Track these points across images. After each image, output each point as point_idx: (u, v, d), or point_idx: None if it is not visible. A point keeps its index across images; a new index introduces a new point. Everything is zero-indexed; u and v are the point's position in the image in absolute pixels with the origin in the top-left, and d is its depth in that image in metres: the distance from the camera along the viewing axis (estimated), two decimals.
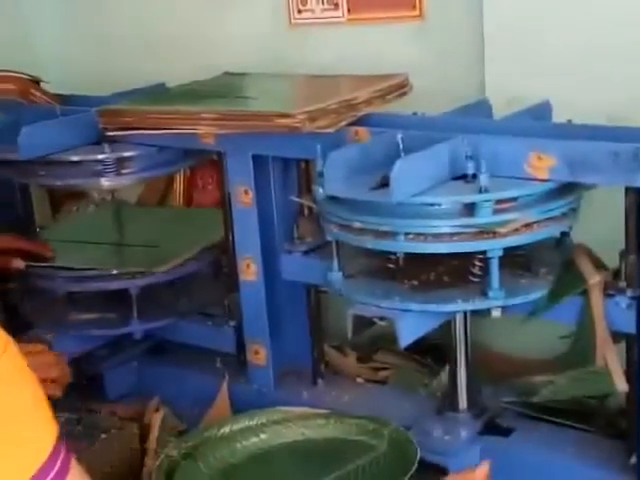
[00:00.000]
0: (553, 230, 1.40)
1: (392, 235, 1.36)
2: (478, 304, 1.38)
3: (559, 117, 1.56)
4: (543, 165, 1.35)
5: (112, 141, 1.73)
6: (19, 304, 1.89)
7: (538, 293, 1.40)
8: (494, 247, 1.34)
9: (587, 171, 1.32)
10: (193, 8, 2.26)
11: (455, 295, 1.39)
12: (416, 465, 1.35)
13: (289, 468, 1.46)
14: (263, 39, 2.12)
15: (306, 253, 1.66)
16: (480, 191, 1.32)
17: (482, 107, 1.63)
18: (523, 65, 1.73)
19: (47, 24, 2.50)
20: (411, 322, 1.37)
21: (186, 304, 1.87)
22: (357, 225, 1.39)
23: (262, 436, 1.51)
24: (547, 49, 1.71)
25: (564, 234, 1.48)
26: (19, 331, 1.78)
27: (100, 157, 1.73)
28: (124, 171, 1.74)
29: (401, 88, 1.70)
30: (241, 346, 1.78)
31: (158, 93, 1.91)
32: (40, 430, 0.96)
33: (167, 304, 1.86)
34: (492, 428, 1.53)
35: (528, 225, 1.35)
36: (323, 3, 2.07)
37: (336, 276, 1.48)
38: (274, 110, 1.55)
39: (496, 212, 1.32)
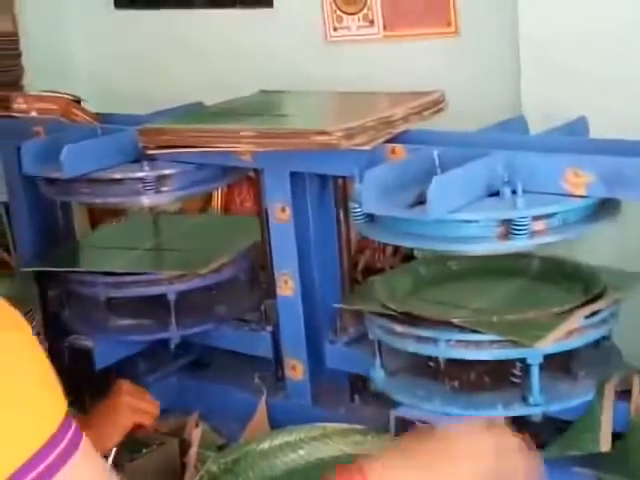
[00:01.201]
0: (592, 337, 1.44)
1: (433, 341, 1.41)
2: (518, 410, 1.42)
3: (596, 133, 1.56)
4: (580, 181, 1.35)
5: (152, 159, 1.76)
6: (60, 310, 1.91)
7: (578, 399, 1.43)
8: (534, 355, 1.38)
9: (624, 187, 1.32)
10: (230, 26, 2.29)
11: (495, 400, 1.43)
12: None
13: None
14: (299, 56, 2.14)
15: (348, 344, 1.69)
16: (516, 208, 1.32)
17: (518, 123, 1.63)
18: (559, 81, 1.73)
19: (85, 43, 2.54)
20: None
21: (223, 310, 1.88)
22: (399, 329, 1.44)
23: (300, 452, 1.52)
24: (583, 64, 1.71)
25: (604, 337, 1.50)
26: (59, 337, 1.83)
27: (140, 175, 1.75)
28: (163, 189, 1.76)
29: (437, 105, 1.70)
30: (278, 351, 1.79)
31: (196, 111, 1.93)
32: (49, 403, 0.97)
33: (204, 310, 1.87)
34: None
35: (569, 332, 1.39)
36: (359, 20, 2.09)
37: (378, 374, 1.53)
38: (311, 127, 1.57)
39: (534, 235, 1.33)
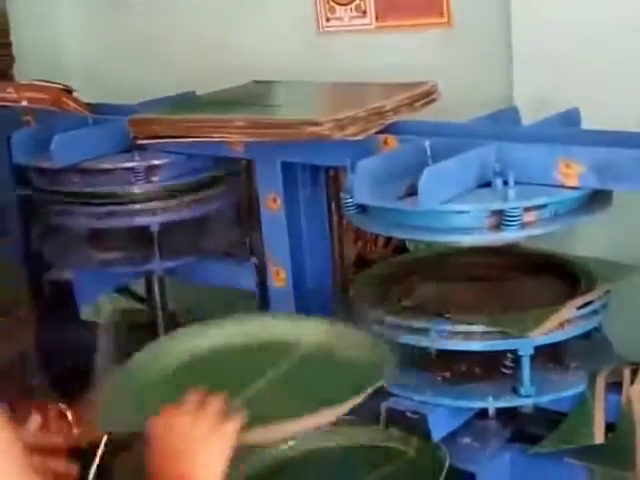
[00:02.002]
0: (583, 328, 1.44)
1: (425, 332, 1.41)
2: (509, 401, 1.42)
3: (588, 124, 1.55)
4: (572, 172, 1.35)
5: (142, 149, 1.75)
6: (41, 245, 1.89)
7: (569, 391, 1.43)
8: (525, 346, 1.38)
9: (616, 178, 1.31)
10: (222, 16, 2.28)
11: (486, 391, 1.43)
12: (445, 472, 1.36)
13: (318, 476, 1.47)
14: (292, 47, 2.13)
15: None
16: (508, 199, 1.32)
17: (510, 114, 1.63)
18: (552, 71, 1.73)
19: (76, 32, 2.53)
20: (443, 416, 1.42)
21: (207, 243, 1.86)
22: (390, 320, 1.44)
23: (291, 443, 1.51)
24: (576, 55, 1.70)
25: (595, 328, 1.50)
26: (42, 271, 1.81)
27: (130, 165, 1.74)
28: (153, 178, 1.76)
29: (429, 95, 1.70)
30: (263, 284, 1.76)
31: (187, 101, 1.93)
32: None
33: (188, 243, 1.85)
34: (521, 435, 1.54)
35: (560, 324, 1.39)
36: (351, 11, 2.08)
37: None
38: (303, 118, 1.56)
39: (525, 226, 1.33)
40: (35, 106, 1.96)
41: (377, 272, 1.67)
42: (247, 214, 1.86)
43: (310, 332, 1.41)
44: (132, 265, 1.83)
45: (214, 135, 1.65)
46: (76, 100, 2.00)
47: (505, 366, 1.44)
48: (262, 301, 1.78)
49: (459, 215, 1.35)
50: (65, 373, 1.93)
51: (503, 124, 1.57)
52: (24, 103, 1.96)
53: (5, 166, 1.94)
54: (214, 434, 1.14)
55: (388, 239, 2.03)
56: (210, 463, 1.13)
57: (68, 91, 2.02)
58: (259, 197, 1.70)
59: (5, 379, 1.77)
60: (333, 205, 1.74)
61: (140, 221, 1.77)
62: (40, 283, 1.83)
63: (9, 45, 2.41)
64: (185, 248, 1.83)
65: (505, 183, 1.36)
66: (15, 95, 1.96)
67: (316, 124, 1.53)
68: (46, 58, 2.42)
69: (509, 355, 1.44)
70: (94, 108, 1.98)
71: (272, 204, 1.67)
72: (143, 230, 1.78)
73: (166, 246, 1.79)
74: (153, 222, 1.77)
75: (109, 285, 1.88)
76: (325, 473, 1.47)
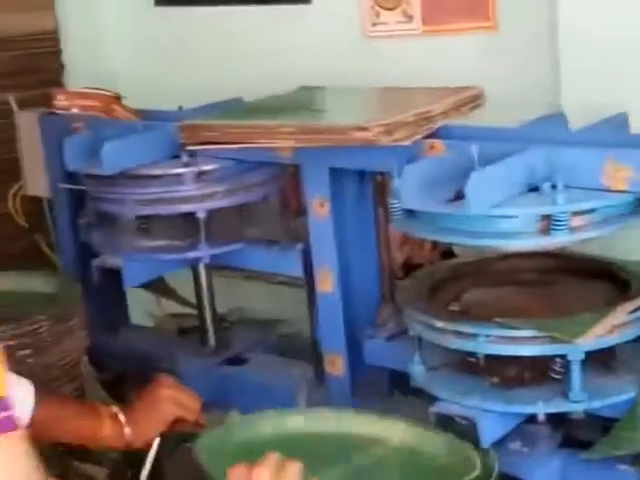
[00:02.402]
0: (634, 333, 1.42)
1: (474, 337, 1.40)
2: (559, 406, 1.41)
3: (636, 128, 1.54)
4: (620, 176, 1.34)
5: (191, 155, 1.77)
6: (91, 234, 1.91)
7: (620, 396, 1.41)
8: (575, 352, 1.37)
9: None
10: (268, 22, 2.29)
11: (536, 396, 1.42)
12: (494, 477, 1.35)
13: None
14: (338, 52, 2.14)
15: (388, 339, 1.69)
16: (557, 203, 1.32)
17: (558, 118, 1.63)
18: (599, 75, 1.71)
19: (124, 40, 2.56)
20: (492, 421, 1.41)
21: (253, 230, 1.86)
22: (439, 325, 1.44)
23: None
24: (624, 58, 1.69)
25: None
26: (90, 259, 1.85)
27: (179, 171, 1.76)
28: (203, 184, 1.78)
29: (476, 100, 1.70)
30: (308, 270, 1.76)
31: (235, 107, 1.94)
32: None
33: (235, 230, 1.86)
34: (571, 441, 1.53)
35: (610, 329, 1.38)
36: (397, 15, 2.08)
37: (418, 369, 1.52)
38: (350, 123, 1.57)
39: (574, 230, 1.32)
40: (85, 113, 1.99)
41: (424, 277, 1.67)
42: (293, 201, 1.86)
43: (390, 430, 1.46)
44: (179, 252, 1.84)
45: (263, 141, 1.66)
46: (125, 107, 2.03)
47: (555, 371, 1.44)
48: (309, 287, 1.78)
49: (507, 219, 1.35)
50: (116, 375, 1.96)
51: (550, 128, 1.56)
52: (75, 110, 1.99)
53: (58, 172, 1.98)
54: None
55: (435, 244, 2.03)
56: None
57: (117, 98, 2.05)
58: (306, 202, 1.71)
59: (56, 381, 1.81)
60: (380, 210, 1.74)
61: (187, 208, 1.79)
62: (89, 269, 1.86)
63: (59, 53, 2.46)
64: (231, 235, 1.85)
65: (553, 187, 1.36)
66: (66, 102, 1.99)
67: (364, 129, 1.53)
68: (95, 66, 2.46)
69: (558, 360, 1.43)
70: (143, 114, 2.01)
71: (320, 209, 1.68)
72: (190, 217, 1.80)
73: (212, 233, 1.81)
74: (200, 209, 1.78)
75: (156, 272, 1.89)
76: (372, 470, 1.46)
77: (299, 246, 1.78)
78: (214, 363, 1.96)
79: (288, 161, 1.72)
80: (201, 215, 1.78)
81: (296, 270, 1.80)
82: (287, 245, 1.82)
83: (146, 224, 1.85)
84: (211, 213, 1.80)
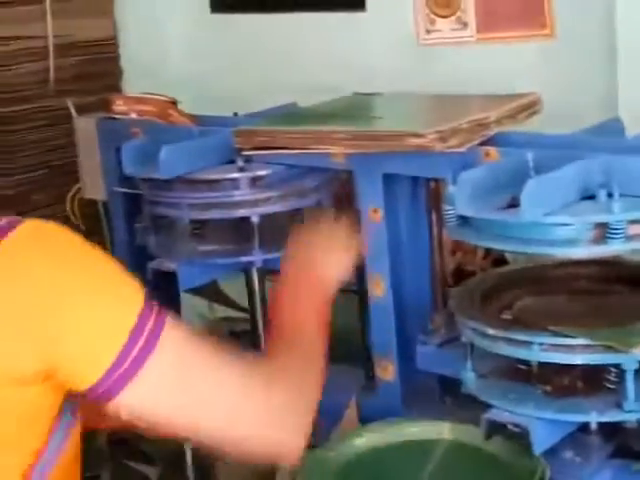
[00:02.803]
0: None
1: (527, 344, 1.40)
2: (613, 416, 1.40)
3: None
4: None
5: (246, 160, 1.79)
6: (146, 238, 1.94)
7: None
8: (630, 361, 1.36)
9: None
10: (323, 29, 2.31)
11: (589, 405, 1.41)
12: None
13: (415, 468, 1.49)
14: (392, 59, 2.15)
15: (440, 346, 1.69)
16: (613, 211, 1.31)
17: (614, 126, 1.61)
18: None
19: (180, 47, 2.59)
20: (545, 430, 1.40)
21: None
22: (492, 332, 1.44)
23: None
24: None
25: None
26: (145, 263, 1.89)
27: (234, 176, 1.78)
28: (258, 189, 1.79)
29: (532, 107, 1.70)
30: (361, 275, 1.76)
31: (290, 113, 1.96)
32: (132, 285, 1.08)
33: (287, 235, 1.87)
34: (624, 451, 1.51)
35: None
36: (452, 23, 2.09)
37: (470, 376, 1.52)
38: (405, 130, 1.58)
39: (630, 239, 1.32)
40: (143, 118, 2.02)
41: (477, 284, 1.67)
42: (345, 206, 1.87)
43: (445, 432, 1.52)
44: (232, 256, 1.86)
45: (316, 147, 1.67)
46: (181, 112, 2.06)
47: (609, 380, 1.43)
48: (361, 292, 1.79)
49: (562, 227, 1.34)
50: None
51: (607, 136, 1.56)
52: (132, 115, 2.02)
53: (114, 176, 2.01)
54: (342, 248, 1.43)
55: (487, 251, 2.02)
56: (336, 268, 1.42)
57: (174, 103, 2.07)
58: (360, 208, 1.72)
59: None
60: (433, 216, 1.75)
61: (242, 212, 1.81)
62: (144, 272, 1.89)
63: (118, 59, 2.50)
64: (284, 240, 1.86)
65: (609, 195, 1.35)
66: (124, 108, 2.02)
67: (418, 136, 1.54)
68: (153, 71, 2.50)
69: (613, 369, 1.42)
70: (199, 120, 2.03)
71: (373, 215, 1.68)
72: (243, 222, 1.82)
73: (265, 238, 1.82)
74: (254, 213, 1.80)
75: (210, 276, 1.92)
76: (421, 467, 1.47)
77: None
78: None
79: (342, 167, 1.73)
80: (255, 220, 1.80)
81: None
82: None
83: (200, 229, 1.87)
84: (264, 218, 1.81)
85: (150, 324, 1.05)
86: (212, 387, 1.10)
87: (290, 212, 1.86)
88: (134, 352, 1.02)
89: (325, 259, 1.42)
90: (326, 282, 1.41)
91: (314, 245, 1.45)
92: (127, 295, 1.06)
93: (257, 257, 1.84)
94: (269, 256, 1.84)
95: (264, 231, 1.82)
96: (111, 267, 1.08)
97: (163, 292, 1.98)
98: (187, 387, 1.08)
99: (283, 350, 1.26)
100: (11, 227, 1.04)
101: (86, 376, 1.02)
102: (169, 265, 1.84)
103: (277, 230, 1.84)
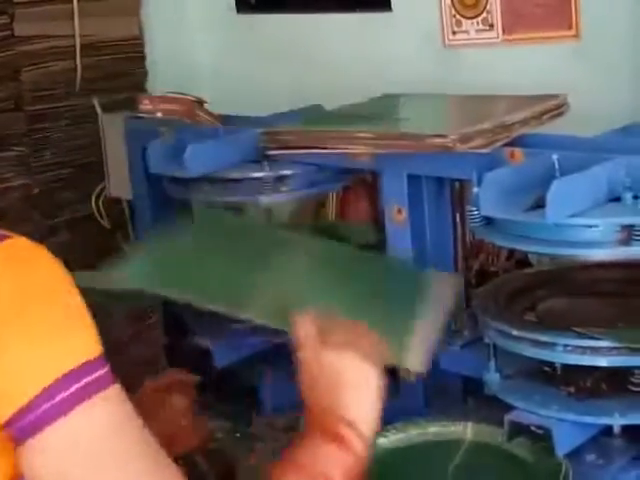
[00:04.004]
0: None
1: (551, 346, 1.40)
2: (636, 419, 1.40)
3: None
4: None
5: (271, 160, 1.79)
6: (180, 310, 1.92)
7: None
8: None
9: None
10: (349, 30, 2.31)
11: (613, 407, 1.41)
12: None
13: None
14: (418, 60, 2.15)
15: (463, 347, 1.69)
16: (638, 213, 1.31)
17: None
18: None
19: (206, 46, 2.61)
20: (568, 431, 1.40)
21: None
22: (515, 333, 1.44)
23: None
24: None
25: None
26: (179, 336, 1.88)
27: (259, 175, 1.79)
28: (282, 189, 1.80)
29: (558, 109, 1.69)
30: None
31: (315, 115, 1.96)
32: (89, 336, 0.97)
33: None
34: None
35: None
36: (478, 24, 2.08)
37: (493, 377, 1.52)
38: (429, 131, 1.58)
39: None
40: (168, 117, 2.03)
41: (500, 285, 1.67)
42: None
43: (467, 433, 1.51)
44: (265, 335, 1.84)
45: (341, 147, 1.68)
46: (207, 111, 2.07)
47: (632, 383, 1.42)
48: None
49: (587, 229, 1.34)
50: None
51: (633, 138, 1.55)
52: (158, 115, 2.03)
53: (141, 174, 2.03)
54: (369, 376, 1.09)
55: (511, 252, 2.02)
56: (366, 408, 1.09)
57: (199, 103, 2.08)
58: (384, 209, 1.72)
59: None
60: (458, 217, 1.75)
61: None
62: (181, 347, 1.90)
63: (144, 59, 2.51)
64: None
65: (635, 198, 1.35)
66: (150, 107, 2.03)
67: (440, 136, 1.54)
68: (179, 71, 2.51)
69: (637, 372, 1.41)
70: (224, 119, 2.04)
71: (397, 216, 1.68)
72: None
73: None
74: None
75: (244, 352, 1.91)
76: (444, 467, 1.47)
77: None
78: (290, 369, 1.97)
79: (367, 167, 1.73)
80: None
81: None
82: None
83: None
84: None
85: (88, 379, 0.94)
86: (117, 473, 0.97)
87: None
88: (58, 397, 0.93)
89: (353, 397, 1.09)
90: (360, 436, 1.08)
91: (334, 373, 1.10)
92: (75, 342, 0.96)
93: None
94: None
95: None
96: (74, 311, 0.97)
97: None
98: (94, 464, 0.96)
99: None
100: None
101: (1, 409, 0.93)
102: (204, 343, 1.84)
103: None
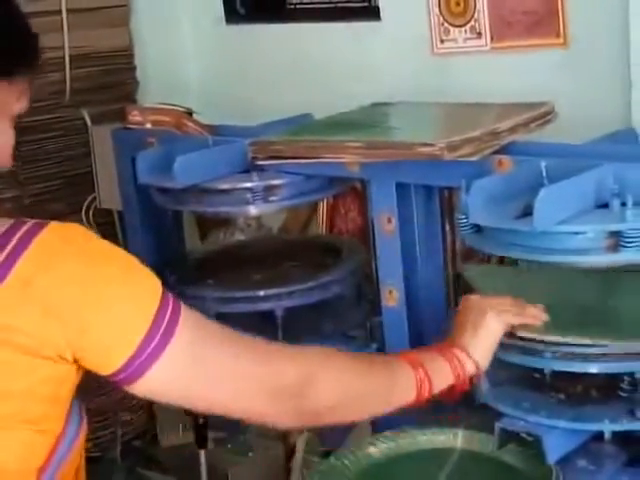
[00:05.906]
0: None
1: (539, 353, 1.40)
2: (626, 425, 1.40)
3: None
4: None
5: (261, 170, 1.79)
6: None
7: None
8: None
9: None
10: (338, 39, 2.31)
11: (602, 413, 1.41)
12: None
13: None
14: (406, 69, 2.16)
15: None
16: (626, 220, 1.31)
17: (628, 135, 1.62)
18: None
19: (196, 57, 2.61)
20: (559, 438, 1.40)
21: (329, 326, 1.91)
22: (504, 341, 1.44)
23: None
24: None
25: None
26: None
27: (249, 185, 1.79)
28: (271, 199, 1.80)
29: (545, 116, 1.70)
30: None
31: (305, 124, 1.96)
32: (150, 276, 1.13)
33: (310, 326, 1.90)
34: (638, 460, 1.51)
35: None
36: (466, 32, 2.09)
37: (483, 384, 1.52)
38: (418, 139, 1.58)
39: None
40: (158, 128, 2.03)
41: (489, 292, 1.66)
42: (369, 293, 1.91)
43: (458, 441, 1.52)
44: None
45: (330, 156, 1.68)
46: (196, 122, 2.07)
47: (622, 389, 1.43)
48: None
49: (575, 236, 1.34)
50: None
51: (620, 145, 1.56)
52: (148, 125, 2.04)
53: (130, 185, 2.03)
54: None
55: (501, 259, 2.02)
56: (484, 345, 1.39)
57: (189, 113, 2.09)
58: (374, 217, 1.72)
59: None
60: (447, 225, 1.75)
61: (265, 306, 1.84)
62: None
63: (133, 70, 2.51)
64: (307, 331, 1.89)
65: (623, 204, 1.35)
66: (140, 118, 2.04)
67: (428, 145, 1.54)
68: (168, 82, 2.51)
69: (627, 378, 1.42)
70: (214, 130, 2.04)
71: (387, 224, 1.69)
72: (265, 315, 1.85)
73: (288, 330, 1.85)
74: (278, 307, 1.84)
75: None
76: (435, 475, 1.47)
77: (374, 345, 1.84)
78: None
79: (356, 176, 1.74)
80: (279, 313, 1.83)
81: None
82: (362, 343, 1.86)
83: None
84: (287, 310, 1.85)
85: (169, 311, 1.10)
86: (227, 359, 1.15)
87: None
88: (156, 338, 1.08)
89: (480, 335, 1.39)
90: (463, 364, 1.38)
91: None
92: (147, 286, 1.12)
93: None
94: None
95: (286, 322, 1.85)
96: (130, 261, 1.13)
97: None
98: (204, 363, 1.13)
99: (354, 357, 1.34)
100: (40, 227, 1.09)
101: (110, 363, 1.08)
102: None
103: (300, 320, 1.88)
